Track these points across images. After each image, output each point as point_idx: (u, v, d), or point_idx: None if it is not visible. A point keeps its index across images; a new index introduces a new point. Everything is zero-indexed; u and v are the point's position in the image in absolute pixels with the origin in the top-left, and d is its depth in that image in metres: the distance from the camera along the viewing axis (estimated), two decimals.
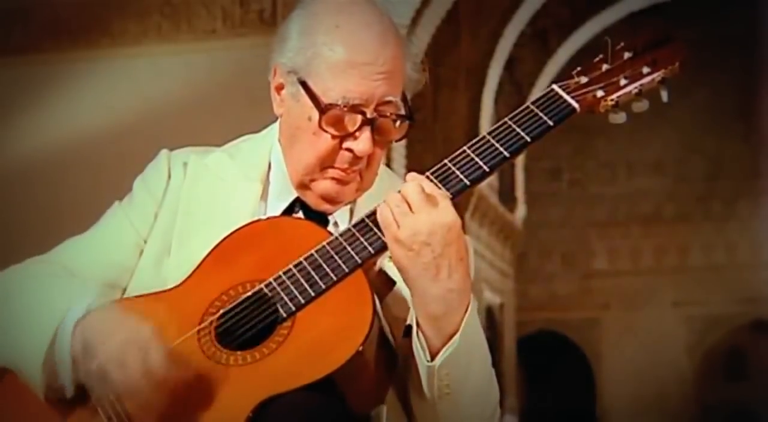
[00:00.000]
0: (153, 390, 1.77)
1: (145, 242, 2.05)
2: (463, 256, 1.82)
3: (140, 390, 1.77)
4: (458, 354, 1.82)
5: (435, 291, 1.80)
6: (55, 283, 1.94)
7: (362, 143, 1.93)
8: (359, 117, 1.92)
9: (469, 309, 1.83)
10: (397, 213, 1.81)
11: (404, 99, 1.97)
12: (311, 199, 2.01)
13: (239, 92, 7.19)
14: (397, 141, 2.01)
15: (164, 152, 2.12)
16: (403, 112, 1.96)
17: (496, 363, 1.97)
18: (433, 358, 1.82)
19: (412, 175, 1.86)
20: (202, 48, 8.12)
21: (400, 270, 1.82)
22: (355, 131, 1.93)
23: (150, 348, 1.77)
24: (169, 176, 2.08)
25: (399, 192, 1.83)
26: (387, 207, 1.83)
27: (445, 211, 1.81)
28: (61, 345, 1.84)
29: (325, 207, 2.01)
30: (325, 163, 1.96)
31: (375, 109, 1.93)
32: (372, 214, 1.87)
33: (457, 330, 1.82)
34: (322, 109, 1.92)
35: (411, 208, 1.81)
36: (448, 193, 1.85)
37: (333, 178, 1.97)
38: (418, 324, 1.83)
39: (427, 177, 1.87)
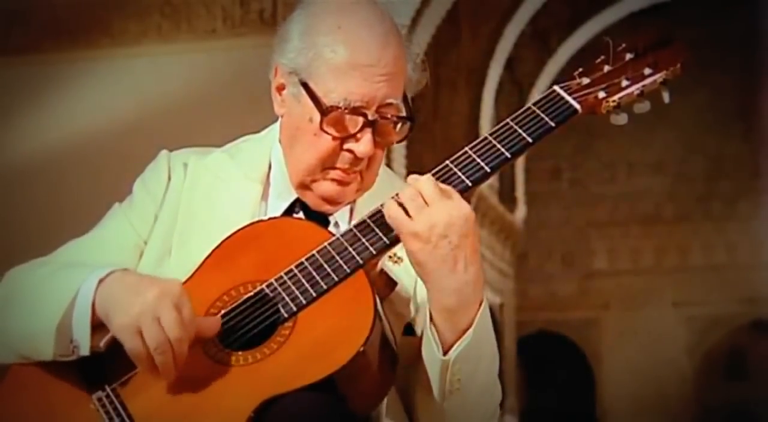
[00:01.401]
0: (186, 343, 1.78)
1: (146, 243, 2.05)
2: (477, 248, 1.83)
3: (176, 342, 1.77)
4: (470, 349, 1.83)
5: (452, 284, 1.80)
6: (66, 270, 1.94)
7: (363, 145, 1.93)
8: (360, 119, 1.92)
9: (483, 304, 1.84)
10: (412, 207, 1.81)
11: (405, 100, 1.97)
12: (311, 200, 2.00)
13: (239, 92, 7.17)
14: (398, 142, 2.01)
15: (164, 153, 2.12)
16: (404, 113, 1.96)
17: None
18: (445, 353, 1.82)
19: (414, 177, 1.86)
20: (202, 48, 8.11)
21: (416, 264, 1.82)
22: (356, 133, 1.93)
23: (183, 303, 1.79)
24: (169, 177, 2.08)
25: (412, 186, 1.83)
26: (395, 203, 1.82)
27: (461, 203, 1.81)
28: (82, 303, 1.84)
29: (325, 208, 2.01)
30: (326, 163, 1.96)
31: (376, 111, 1.93)
32: (373, 215, 1.87)
33: (470, 325, 1.82)
34: (324, 110, 1.92)
35: (426, 201, 1.80)
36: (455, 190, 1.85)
37: (334, 179, 1.97)
38: (431, 318, 1.83)
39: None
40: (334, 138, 1.93)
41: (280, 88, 2.01)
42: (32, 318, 1.88)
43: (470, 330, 1.82)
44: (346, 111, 1.91)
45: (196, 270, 1.92)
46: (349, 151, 1.94)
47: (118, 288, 1.83)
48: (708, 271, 16.36)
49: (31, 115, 7.95)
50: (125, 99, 7.92)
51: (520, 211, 14.25)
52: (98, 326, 1.85)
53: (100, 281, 1.85)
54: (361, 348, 1.77)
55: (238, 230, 1.93)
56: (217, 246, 1.93)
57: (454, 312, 1.81)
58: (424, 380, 1.86)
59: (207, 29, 8.21)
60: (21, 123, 7.95)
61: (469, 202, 1.85)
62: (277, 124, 2.09)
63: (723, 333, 16.42)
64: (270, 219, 2.01)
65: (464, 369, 1.83)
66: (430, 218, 1.79)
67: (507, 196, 13.85)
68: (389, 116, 1.94)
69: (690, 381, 16.36)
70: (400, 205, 1.83)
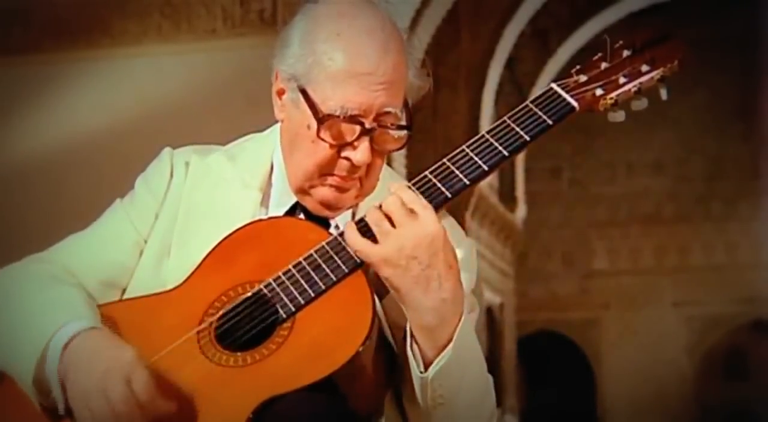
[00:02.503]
0: (137, 415, 1.75)
1: (146, 242, 2.04)
2: (452, 264, 1.81)
3: (125, 417, 1.74)
4: (451, 365, 1.82)
5: (428, 302, 1.79)
6: (54, 290, 1.92)
7: (360, 153, 1.91)
8: (358, 127, 1.90)
9: (462, 318, 1.83)
10: (378, 232, 1.81)
11: (406, 106, 1.95)
12: (311, 205, 1.99)
13: (239, 92, 7.18)
14: (396, 150, 1.99)
15: (167, 150, 2.10)
16: (402, 122, 1.94)
17: (496, 363, 1.98)
18: (426, 369, 1.82)
19: (396, 185, 1.86)
20: (202, 48, 8.10)
21: (392, 289, 1.82)
22: (353, 141, 1.91)
23: (133, 374, 1.76)
24: (172, 175, 2.07)
25: (380, 208, 1.83)
26: (358, 236, 1.82)
27: (427, 222, 1.80)
28: (50, 366, 1.83)
29: (324, 213, 1.99)
30: (324, 170, 1.94)
31: (374, 120, 1.91)
32: None
33: (450, 341, 1.81)
34: (320, 118, 1.90)
35: (393, 224, 1.80)
36: (430, 204, 1.83)
37: (332, 185, 1.95)
38: (412, 336, 1.83)
39: (425, 177, 1.87)
40: (332, 145, 1.92)
41: (280, 93, 1.99)
42: (12, 354, 1.87)
43: (449, 347, 1.81)
44: (343, 119, 1.90)
45: (195, 270, 1.92)
46: (347, 158, 1.92)
47: (75, 357, 1.81)
48: (708, 271, 16.37)
49: (31, 115, 7.95)
50: (125, 99, 7.92)
51: (520, 211, 14.25)
52: None
53: (65, 346, 1.82)
54: (360, 348, 1.77)
55: (237, 230, 1.93)
56: (216, 246, 1.92)
57: (434, 330, 1.81)
58: (410, 391, 1.86)
59: (207, 29, 8.21)
60: (21, 122, 7.95)
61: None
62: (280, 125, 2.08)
63: (723, 333, 16.42)
64: (269, 218, 2.00)
65: (445, 386, 1.83)
66: (397, 241, 1.79)
67: (507, 196, 13.85)
68: (387, 125, 1.92)
69: (690, 381, 16.36)
70: (367, 230, 1.82)
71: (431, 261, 1.78)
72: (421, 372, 1.82)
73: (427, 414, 1.85)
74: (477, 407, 1.92)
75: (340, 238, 1.87)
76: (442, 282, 1.79)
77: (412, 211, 1.80)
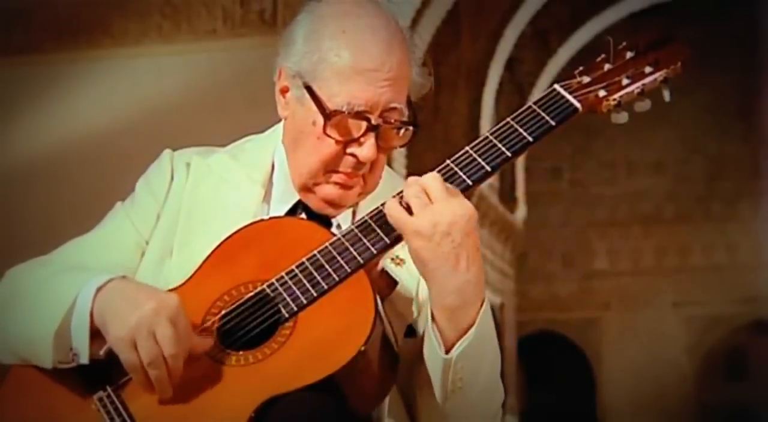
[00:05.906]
0: (181, 359, 1.78)
1: (147, 243, 2.04)
2: (479, 248, 1.83)
3: (170, 357, 1.77)
4: (472, 348, 1.82)
5: (454, 282, 1.80)
6: (65, 275, 1.93)
7: (366, 149, 1.92)
8: (364, 123, 1.92)
9: (484, 303, 1.84)
10: (416, 204, 1.80)
11: (409, 104, 1.96)
12: (314, 203, 2.00)
13: (239, 92, 7.18)
14: (400, 147, 2.00)
15: (167, 152, 2.11)
16: (407, 118, 1.95)
17: None
18: (447, 352, 1.82)
19: (413, 178, 1.86)
20: (202, 48, 8.11)
21: (419, 262, 1.81)
22: (360, 137, 1.92)
23: (179, 318, 1.79)
24: (172, 177, 2.07)
25: (417, 183, 1.83)
26: (396, 203, 1.82)
27: (464, 202, 1.81)
28: (80, 311, 1.83)
29: (328, 210, 2.00)
30: (329, 167, 1.95)
31: (380, 116, 1.92)
32: (374, 214, 1.87)
33: (472, 323, 1.82)
34: (327, 115, 1.91)
35: (431, 199, 1.80)
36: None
37: (336, 183, 1.96)
38: (433, 318, 1.83)
39: None
40: (337, 142, 1.93)
41: (284, 91, 2.00)
42: (31, 323, 1.87)
43: (472, 329, 1.81)
44: (350, 115, 1.91)
45: (197, 270, 1.92)
46: (352, 155, 1.93)
47: (115, 297, 1.82)
48: (708, 272, 16.37)
49: (32, 115, 7.95)
50: (126, 99, 7.92)
51: (521, 211, 14.25)
52: (97, 333, 1.84)
53: (99, 289, 1.84)
54: (362, 348, 1.77)
55: (239, 230, 1.93)
56: (218, 246, 1.92)
57: (456, 311, 1.81)
58: (425, 381, 1.85)
59: (207, 29, 8.21)
60: (22, 123, 7.95)
61: (469, 201, 1.85)
62: (281, 125, 2.08)
63: (723, 333, 16.42)
64: (271, 218, 2.01)
65: (466, 368, 1.83)
66: (434, 216, 1.79)
67: (507, 196, 13.85)
68: (392, 121, 1.94)
69: (690, 380, 16.37)
70: (402, 202, 1.83)
71: (463, 240, 1.79)
72: (444, 354, 1.82)
73: (443, 401, 1.85)
74: (491, 393, 1.93)
75: (342, 239, 1.87)
76: (469, 265, 1.80)
77: (450, 190, 1.81)
